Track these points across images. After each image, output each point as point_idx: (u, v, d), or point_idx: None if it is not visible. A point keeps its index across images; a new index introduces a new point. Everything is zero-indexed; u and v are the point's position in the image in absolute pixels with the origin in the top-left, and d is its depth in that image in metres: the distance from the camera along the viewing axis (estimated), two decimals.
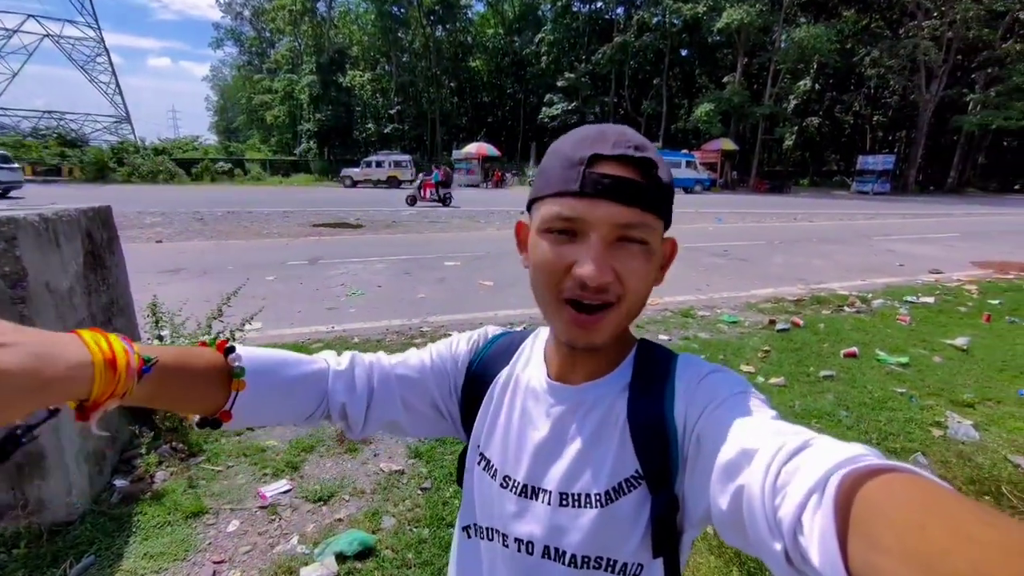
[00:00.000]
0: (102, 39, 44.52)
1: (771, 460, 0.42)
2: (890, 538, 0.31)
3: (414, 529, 2.20)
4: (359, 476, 2.58)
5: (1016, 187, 36.55)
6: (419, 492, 2.46)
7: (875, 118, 43.54)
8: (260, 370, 0.59)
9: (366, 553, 2.04)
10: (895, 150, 40.82)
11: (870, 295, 6.38)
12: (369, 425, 0.70)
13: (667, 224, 0.59)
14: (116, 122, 44.73)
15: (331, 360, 0.69)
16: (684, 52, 42.91)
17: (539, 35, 42.30)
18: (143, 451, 2.50)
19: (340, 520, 2.25)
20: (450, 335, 0.80)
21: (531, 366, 0.70)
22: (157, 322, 2.83)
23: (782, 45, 33.29)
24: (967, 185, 37.42)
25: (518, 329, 0.79)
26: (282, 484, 2.46)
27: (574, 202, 0.54)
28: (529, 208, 0.61)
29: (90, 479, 2.22)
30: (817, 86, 40.84)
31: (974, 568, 0.26)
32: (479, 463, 0.70)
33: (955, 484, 2.46)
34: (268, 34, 57.12)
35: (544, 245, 0.56)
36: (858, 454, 0.39)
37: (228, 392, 0.57)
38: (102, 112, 45.00)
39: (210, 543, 2.09)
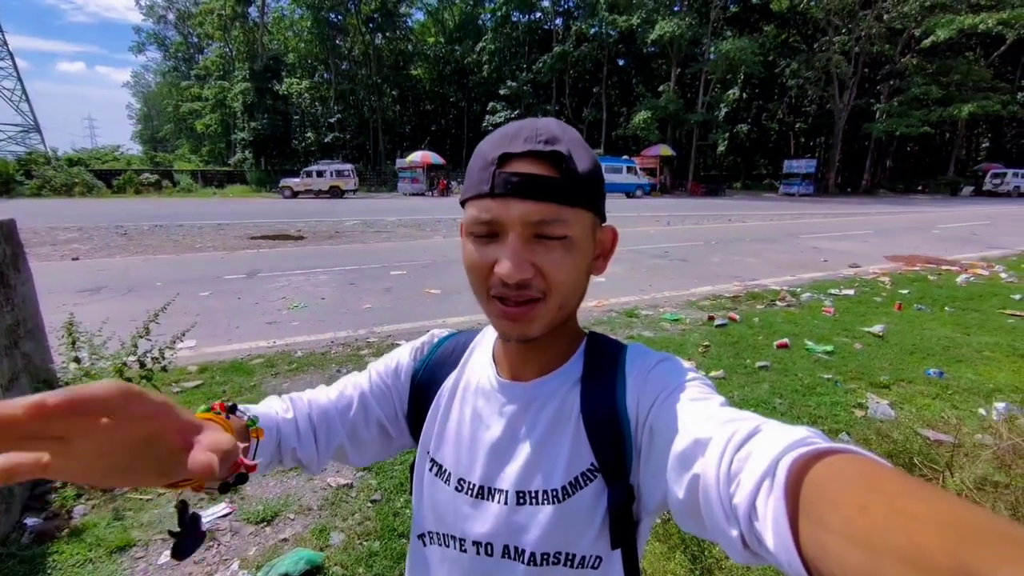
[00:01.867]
0: (4, 41, 40.97)
1: (724, 448, 0.43)
2: (835, 518, 0.33)
3: (364, 543, 2.14)
4: (305, 493, 2.48)
5: (919, 188, 40.05)
6: (369, 505, 2.39)
7: (797, 125, 46.63)
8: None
9: (313, 572, 1.97)
10: (816, 155, 43.77)
11: (799, 289, 6.80)
12: (322, 460, 0.70)
13: (597, 213, 0.59)
14: (23, 131, 41.25)
15: (277, 408, 0.69)
16: (621, 62, 44.35)
17: (480, 44, 42.58)
18: (57, 484, 2.30)
19: (285, 540, 2.16)
20: (398, 344, 0.79)
21: (480, 366, 0.70)
22: (73, 343, 2.62)
23: (711, 57, 35.10)
24: (879, 186, 40.64)
25: (466, 331, 0.79)
26: (221, 508, 2.33)
27: (489, 203, 0.54)
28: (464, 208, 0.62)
29: None
30: (745, 95, 43.29)
31: (910, 541, 0.28)
32: (430, 469, 0.69)
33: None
34: (196, 39, 54.47)
35: (469, 247, 0.57)
36: (804, 437, 0.40)
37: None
38: (6, 121, 41.37)
39: None
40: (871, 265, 8.74)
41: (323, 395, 0.73)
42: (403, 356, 0.76)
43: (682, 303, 6.21)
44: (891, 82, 35.20)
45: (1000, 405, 3.21)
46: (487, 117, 41.55)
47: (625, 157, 34.11)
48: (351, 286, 6.95)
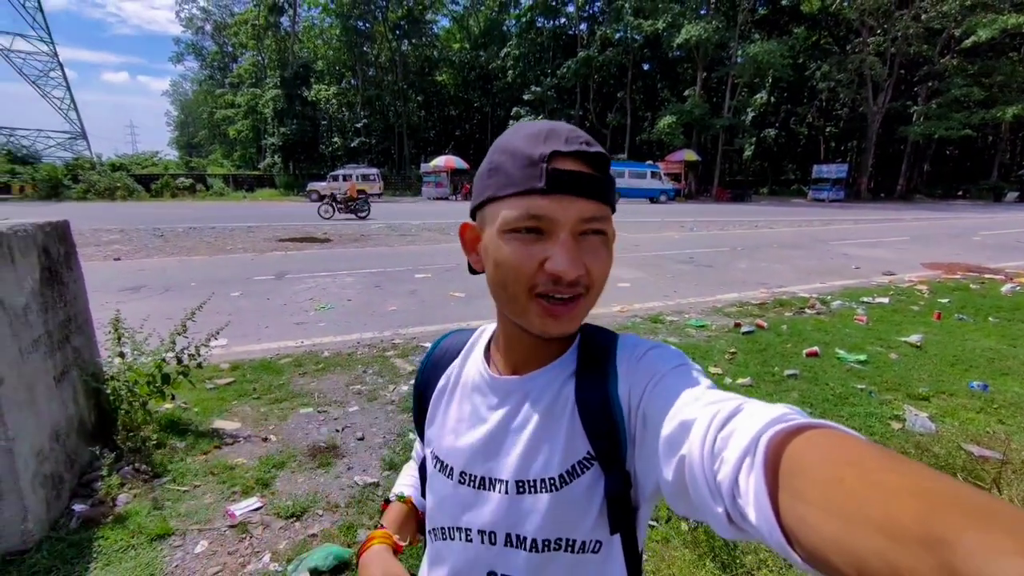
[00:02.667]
0: (55, 53, 42.91)
1: (707, 428, 0.45)
2: (813, 492, 0.34)
3: None
4: (332, 490, 2.53)
5: (959, 193, 38.66)
6: None
7: (828, 129, 45.56)
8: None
9: (342, 567, 2.00)
10: (847, 159, 42.68)
11: (829, 297, 6.63)
12: None
13: (612, 211, 0.62)
14: (71, 138, 43.03)
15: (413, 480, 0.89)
16: (646, 66, 44.09)
17: (505, 50, 42.87)
18: (104, 473, 2.40)
19: (314, 535, 2.20)
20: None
21: (472, 364, 0.72)
22: (119, 339, 2.73)
23: (738, 60, 34.60)
24: (914, 192, 39.40)
25: (463, 329, 0.81)
26: (252, 502, 2.39)
27: (540, 200, 0.55)
28: (479, 208, 0.62)
29: (47, 504, 2.11)
30: (773, 99, 42.55)
31: (885, 512, 0.29)
32: (434, 465, 0.72)
33: None
34: (230, 48, 56.23)
35: (512, 245, 0.56)
36: (783, 413, 0.41)
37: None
38: (56, 128, 43.28)
39: (177, 566, 2.01)
40: (907, 273, 8.48)
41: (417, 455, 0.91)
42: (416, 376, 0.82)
43: (708, 309, 6.12)
44: (929, 83, 34.10)
45: None
46: (511, 122, 41.66)
47: (649, 162, 33.88)
48: (376, 288, 7.05)
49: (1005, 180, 37.30)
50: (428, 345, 5.26)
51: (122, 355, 2.72)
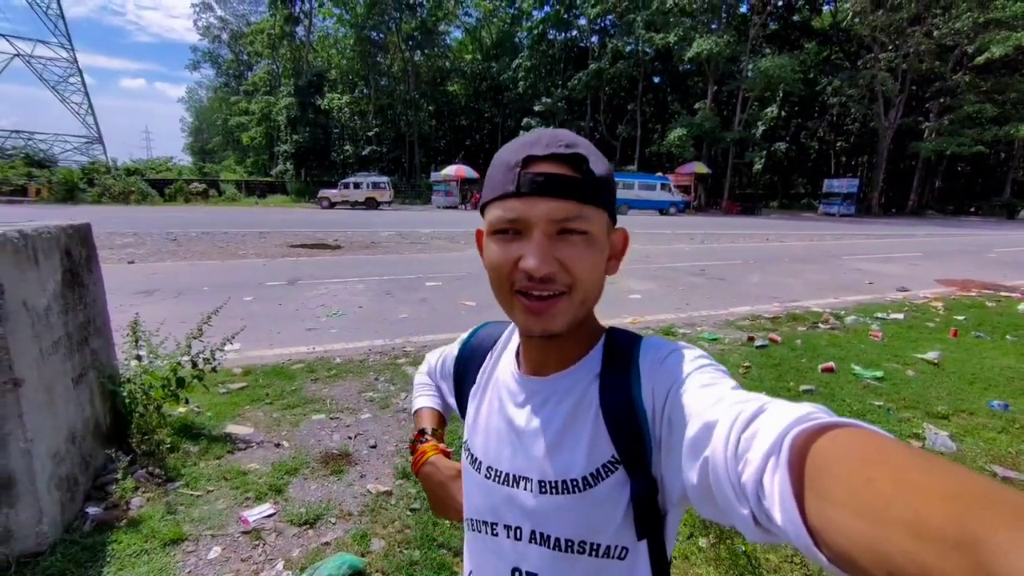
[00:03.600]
0: (75, 59, 43.84)
1: (730, 429, 0.44)
2: (840, 492, 0.33)
3: (405, 551, 2.14)
4: (345, 498, 2.51)
5: (971, 209, 38.35)
6: (408, 513, 2.41)
7: (838, 143, 45.41)
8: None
9: None
10: (858, 174, 42.47)
11: (843, 312, 6.57)
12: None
13: (611, 215, 0.62)
14: (87, 142, 43.79)
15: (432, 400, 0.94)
16: (657, 79, 44.23)
17: (516, 61, 43.19)
18: (119, 476, 2.40)
19: (327, 544, 2.18)
20: None
21: (506, 362, 0.74)
22: (136, 341, 2.75)
23: (749, 74, 34.64)
24: (926, 207, 39.10)
25: (500, 321, 0.83)
26: (265, 508, 2.38)
27: (514, 202, 0.57)
28: (482, 214, 0.64)
29: (62, 506, 2.11)
30: (783, 113, 42.46)
31: (916, 514, 0.28)
32: (467, 459, 0.74)
33: None
34: (246, 57, 57.09)
35: (494, 246, 0.60)
36: (808, 412, 0.41)
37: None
38: (73, 132, 44.06)
39: (190, 572, 2.00)
40: (921, 289, 8.38)
41: (429, 371, 0.96)
42: (452, 350, 0.89)
43: (720, 323, 6.08)
44: (941, 100, 33.93)
45: None
46: (521, 132, 41.80)
47: (659, 174, 33.90)
48: (387, 296, 7.07)
49: (1018, 197, 36.95)
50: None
51: (139, 358, 2.74)
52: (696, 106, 38.12)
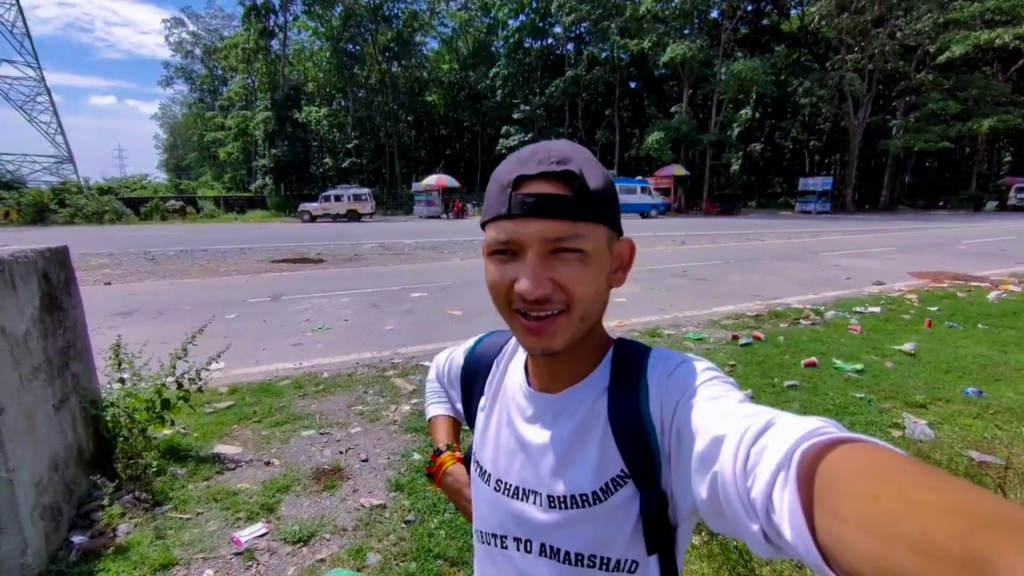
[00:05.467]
0: (42, 78, 42.86)
1: (739, 444, 0.44)
2: (848, 508, 0.33)
3: (401, 563, 2.14)
4: (339, 513, 2.49)
5: (940, 203, 39.41)
6: (403, 526, 2.40)
7: (811, 143, 46.45)
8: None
9: None
10: (832, 172, 43.46)
11: (823, 307, 6.71)
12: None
13: (613, 227, 0.61)
14: (57, 162, 42.76)
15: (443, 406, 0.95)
16: (633, 84, 44.85)
17: (493, 70, 43.46)
18: (104, 503, 2.35)
19: (322, 560, 2.17)
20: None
21: (514, 374, 0.74)
22: (119, 364, 2.70)
23: (722, 77, 35.35)
24: (897, 203, 40.11)
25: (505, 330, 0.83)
26: (258, 527, 2.35)
27: (507, 224, 0.58)
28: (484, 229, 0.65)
29: (46, 537, 2.07)
30: (758, 114, 43.35)
31: (922, 531, 0.28)
32: (475, 470, 0.74)
33: None
34: (220, 72, 56.57)
35: (491, 267, 0.60)
36: (817, 427, 0.41)
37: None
38: (42, 152, 43.02)
39: None
40: (896, 282, 8.60)
41: (439, 375, 0.95)
42: (457, 356, 0.88)
43: (704, 322, 6.16)
44: (907, 98, 35.01)
45: None
46: (501, 140, 42.20)
47: (639, 178, 34.27)
48: (373, 308, 7.03)
49: (984, 190, 38.10)
50: (428, 364, 5.26)
51: (122, 381, 2.69)
52: (672, 109, 38.73)
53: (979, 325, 5.72)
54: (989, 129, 30.69)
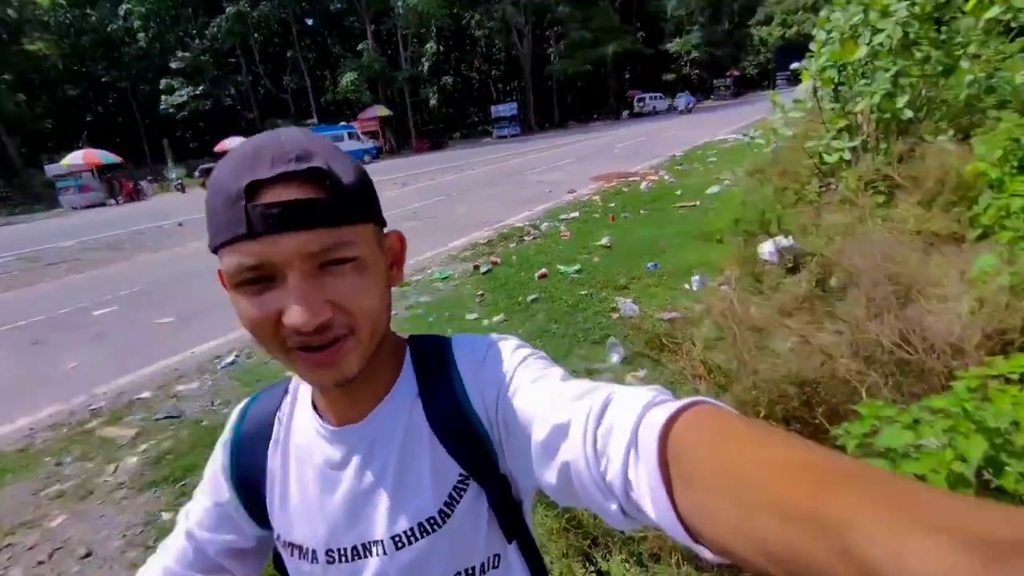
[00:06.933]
0: None
1: (584, 429, 0.43)
2: (701, 476, 0.34)
3: None
4: None
5: (595, 116, 48.82)
6: None
7: (493, 72, 51.12)
8: None
9: None
10: (515, 98, 49.04)
11: (538, 222, 7.69)
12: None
13: (378, 222, 0.54)
14: None
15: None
16: (310, 21, 41.35)
17: (123, 6, 34.32)
18: None
19: None
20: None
21: (302, 422, 0.61)
22: None
23: (400, 11, 35.38)
24: (567, 120, 48.04)
25: (266, 388, 0.67)
26: None
27: (250, 245, 0.45)
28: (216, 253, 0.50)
29: None
30: (442, 48, 45.16)
31: (776, 489, 0.29)
32: (291, 554, 0.60)
33: (638, 349, 3.24)
34: None
35: (243, 302, 0.48)
36: (652, 397, 0.42)
37: None
38: None
39: None
40: (582, 188, 10.38)
41: (180, 537, 0.65)
42: (217, 455, 0.65)
43: (445, 259, 6.42)
44: (556, 28, 41.09)
45: (696, 278, 4.24)
46: (164, 97, 34.58)
47: (343, 123, 32.73)
48: (35, 346, 5.20)
49: (619, 102, 48.41)
50: (147, 396, 4.19)
51: None
52: (359, 47, 37.35)
53: (641, 211, 7.37)
54: (613, 53, 38.57)
